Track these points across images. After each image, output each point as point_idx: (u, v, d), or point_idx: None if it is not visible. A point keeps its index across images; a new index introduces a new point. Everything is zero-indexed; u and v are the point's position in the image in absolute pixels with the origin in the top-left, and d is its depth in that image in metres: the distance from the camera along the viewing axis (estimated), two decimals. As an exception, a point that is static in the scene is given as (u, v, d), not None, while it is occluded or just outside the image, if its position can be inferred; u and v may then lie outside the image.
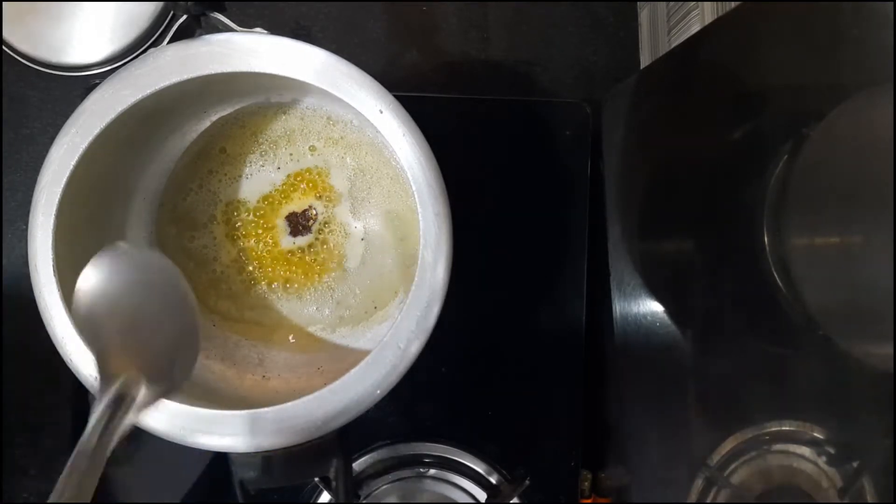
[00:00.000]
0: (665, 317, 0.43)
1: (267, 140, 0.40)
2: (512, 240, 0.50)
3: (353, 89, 0.32)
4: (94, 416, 0.23)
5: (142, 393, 0.25)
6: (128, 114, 0.32)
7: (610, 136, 0.50)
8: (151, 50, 0.33)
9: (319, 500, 0.46)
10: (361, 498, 0.45)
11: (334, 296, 0.40)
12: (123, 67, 0.32)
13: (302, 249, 0.40)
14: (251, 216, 0.40)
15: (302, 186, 0.40)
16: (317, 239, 0.40)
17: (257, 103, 0.39)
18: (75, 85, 0.41)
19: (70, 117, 0.32)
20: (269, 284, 0.40)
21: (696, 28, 0.50)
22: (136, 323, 0.26)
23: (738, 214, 0.34)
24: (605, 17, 0.61)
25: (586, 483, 0.50)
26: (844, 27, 0.27)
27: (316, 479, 0.41)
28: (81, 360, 0.32)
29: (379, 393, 0.32)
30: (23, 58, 0.33)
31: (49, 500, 0.21)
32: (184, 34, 0.34)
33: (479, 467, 0.47)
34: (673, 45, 0.54)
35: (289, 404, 0.31)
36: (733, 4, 0.45)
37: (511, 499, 0.45)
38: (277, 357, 0.40)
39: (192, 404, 0.31)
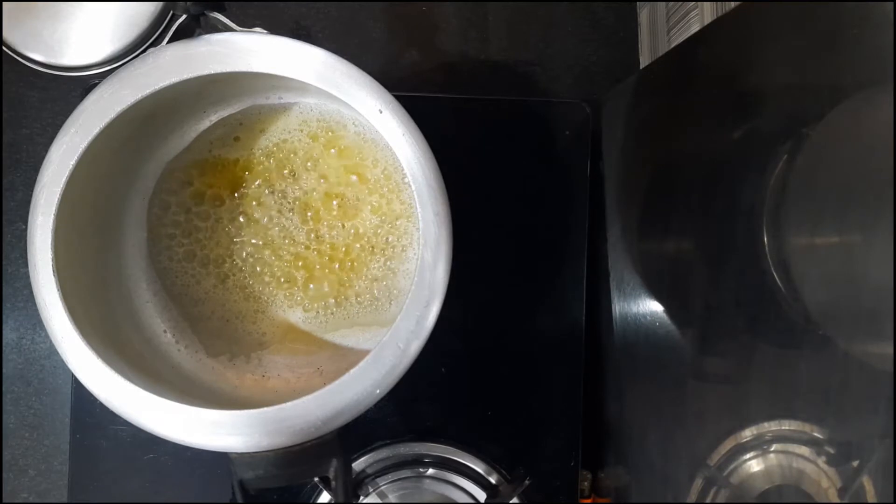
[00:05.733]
0: (665, 317, 0.43)
1: (267, 140, 0.40)
2: (512, 240, 0.50)
3: (353, 89, 0.32)
4: None
5: None
6: (128, 114, 0.32)
7: (610, 136, 0.50)
8: (151, 50, 0.33)
9: (319, 500, 0.46)
10: (361, 498, 0.45)
11: (334, 295, 0.40)
12: (123, 67, 0.32)
13: (302, 249, 0.40)
14: (252, 216, 0.40)
15: (302, 186, 0.40)
16: (317, 239, 0.40)
17: (257, 103, 0.39)
18: (75, 85, 0.41)
19: (70, 117, 0.32)
20: (270, 284, 0.40)
21: (695, 28, 0.50)
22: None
23: (738, 214, 0.34)
24: (605, 17, 0.61)
25: (586, 483, 0.50)
26: (844, 27, 0.27)
27: (316, 479, 0.41)
28: (81, 360, 0.32)
29: (379, 393, 0.32)
30: (22, 58, 0.33)
31: None
32: (183, 34, 0.34)
33: (479, 467, 0.47)
34: (673, 45, 0.54)
35: (289, 404, 0.31)
36: (733, 4, 0.45)
37: (511, 499, 0.45)
38: (277, 357, 0.40)
39: (192, 404, 0.31)
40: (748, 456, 0.32)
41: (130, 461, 0.48)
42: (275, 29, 0.33)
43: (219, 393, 0.38)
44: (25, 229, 0.32)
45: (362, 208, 0.40)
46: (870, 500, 0.25)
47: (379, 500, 0.45)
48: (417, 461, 0.47)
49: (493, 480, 0.47)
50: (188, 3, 0.32)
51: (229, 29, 0.33)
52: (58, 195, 0.32)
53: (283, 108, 0.40)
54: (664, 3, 0.55)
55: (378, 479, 0.46)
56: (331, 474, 0.33)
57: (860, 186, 0.25)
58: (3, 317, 0.58)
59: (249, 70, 0.32)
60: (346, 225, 0.40)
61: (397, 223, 0.40)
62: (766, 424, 0.32)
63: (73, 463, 0.48)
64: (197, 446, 0.32)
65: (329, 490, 0.43)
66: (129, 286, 0.39)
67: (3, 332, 0.58)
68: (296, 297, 0.40)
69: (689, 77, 0.42)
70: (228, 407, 0.32)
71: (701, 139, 0.40)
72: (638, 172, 0.48)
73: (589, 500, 0.51)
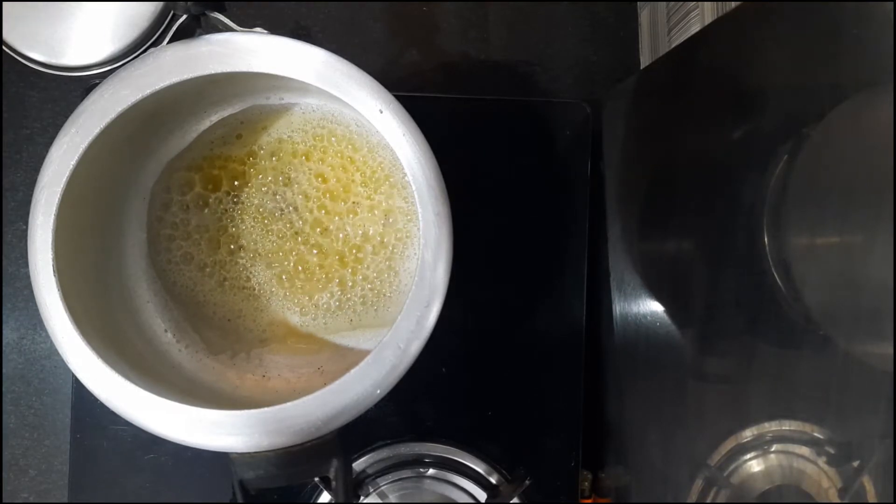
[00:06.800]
0: (665, 317, 0.43)
1: (267, 140, 0.40)
2: (512, 240, 0.50)
3: (353, 89, 0.32)
4: None
5: None
6: (128, 114, 0.32)
7: (610, 136, 0.50)
8: (151, 50, 0.33)
9: (319, 500, 0.46)
10: (361, 498, 0.45)
11: (335, 295, 0.40)
12: (123, 67, 0.32)
13: (303, 249, 0.40)
14: (252, 217, 0.40)
15: (302, 188, 0.40)
16: (318, 239, 0.40)
17: (257, 103, 0.39)
18: (75, 85, 0.41)
19: (70, 117, 0.32)
20: (271, 284, 0.40)
21: (696, 28, 0.50)
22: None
23: (738, 214, 0.34)
24: (605, 17, 0.61)
25: (586, 483, 0.50)
26: (844, 27, 0.27)
27: (316, 479, 0.41)
28: (81, 360, 0.32)
29: (379, 393, 0.32)
30: (23, 58, 0.33)
31: None
32: (184, 34, 0.34)
33: (479, 467, 0.47)
34: (673, 45, 0.54)
35: (289, 404, 0.31)
36: (733, 4, 0.46)
37: (511, 499, 0.45)
38: (277, 357, 0.40)
39: (192, 404, 0.31)
40: (748, 456, 0.32)
41: (130, 461, 0.48)
42: (275, 29, 0.33)
43: (219, 393, 0.38)
44: (26, 229, 0.32)
45: (363, 208, 0.40)
46: (870, 500, 0.26)
47: (379, 500, 0.45)
48: (418, 461, 0.47)
49: (493, 480, 0.47)
50: (189, 3, 0.32)
51: (230, 29, 0.33)
52: (58, 195, 0.32)
53: (284, 109, 0.40)
54: (664, 3, 0.55)
55: (378, 479, 0.46)
56: (331, 474, 0.33)
57: (860, 186, 0.25)
58: (4, 317, 0.58)
59: (250, 70, 0.32)
60: (346, 225, 0.40)
61: (398, 223, 0.40)
62: (766, 424, 0.32)
63: (74, 463, 0.48)
64: (197, 446, 0.32)
65: (329, 490, 0.43)
66: (130, 286, 0.39)
67: (4, 332, 0.58)
68: (296, 297, 0.40)
69: (689, 77, 0.42)
70: (229, 407, 0.32)
71: (701, 139, 0.40)
72: (638, 172, 0.48)
73: (589, 501, 0.51)
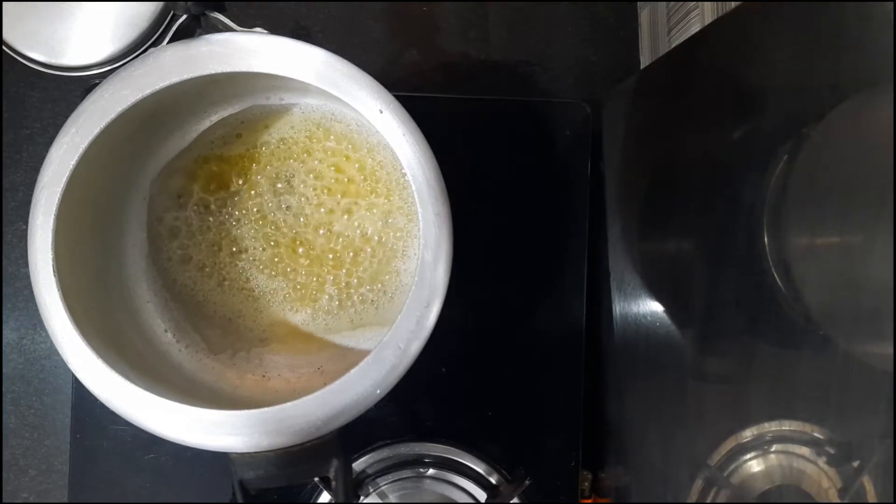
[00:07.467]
0: (665, 317, 0.43)
1: (267, 140, 0.40)
2: (512, 240, 0.50)
3: (353, 89, 0.32)
4: None
5: None
6: (128, 114, 0.32)
7: (610, 136, 0.50)
8: (152, 50, 0.33)
9: (319, 500, 0.46)
10: (361, 498, 0.45)
11: (335, 295, 0.40)
12: (123, 67, 0.32)
13: (303, 249, 0.40)
14: (252, 216, 0.40)
15: (302, 188, 0.40)
16: (317, 239, 0.40)
17: (257, 103, 0.39)
18: (75, 85, 0.41)
19: (70, 117, 0.32)
20: (271, 284, 0.40)
21: (696, 28, 0.50)
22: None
23: (738, 214, 0.34)
24: (605, 17, 0.61)
25: (586, 483, 0.50)
26: (844, 27, 0.27)
27: (316, 479, 0.41)
28: (81, 361, 0.32)
29: (379, 393, 0.32)
30: (23, 58, 0.33)
31: None
32: (184, 34, 0.34)
33: (479, 467, 0.47)
34: (673, 45, 0.54)
35: (289, 404, 0.31)
36: (733, 4, 0.46)
37: (511, 499, 0.45)
38: (277, 357, 0.40)
39: (192, 404, 0.31)
40: (748, 456, 0.32)
41: (130, 461, 0.48)
42: (275, 29, 0.33)
43: (219, 393, 0.38)
44: (26, 229, 0.32)
45: (363, 208, 0.40)
46: (870, 501, 0.26)
47: (379, 500, 0.45)
48: (418, 461, 0.47)
49: (493, 480, 0.47)
50: (189, 3, 0.32)
51: (230, 29, 0.33)
52: (58, 195, 0.32)
53: (284, 109, 0.40)
54: (664, 3, 0.55)
55: (378, 479, 0.46)
56: (331, 474, 0.33)
57: (860, 186, 0.25)
58: (4, 317, 0.58)
59: (250, 70, 0.32)
60: (346, 225, 0.40)
61: (398, 223, 0.40)
62: (766, 424, 0.32)
63: (74, 463, 0.48)
64: (197, 446, 0.32)
65: (329, 490, 0.43)
66: (130, 286, 0.39)
67: (4, 332, 0.58)
68: (297, 297, 0.40)
69: (689, 77, 0.42)
70: (229, 407, 0.32)
71: (701, 139, 0.40)
72: (638, 172, 0.48)
73: (589, 501, 0.51)
